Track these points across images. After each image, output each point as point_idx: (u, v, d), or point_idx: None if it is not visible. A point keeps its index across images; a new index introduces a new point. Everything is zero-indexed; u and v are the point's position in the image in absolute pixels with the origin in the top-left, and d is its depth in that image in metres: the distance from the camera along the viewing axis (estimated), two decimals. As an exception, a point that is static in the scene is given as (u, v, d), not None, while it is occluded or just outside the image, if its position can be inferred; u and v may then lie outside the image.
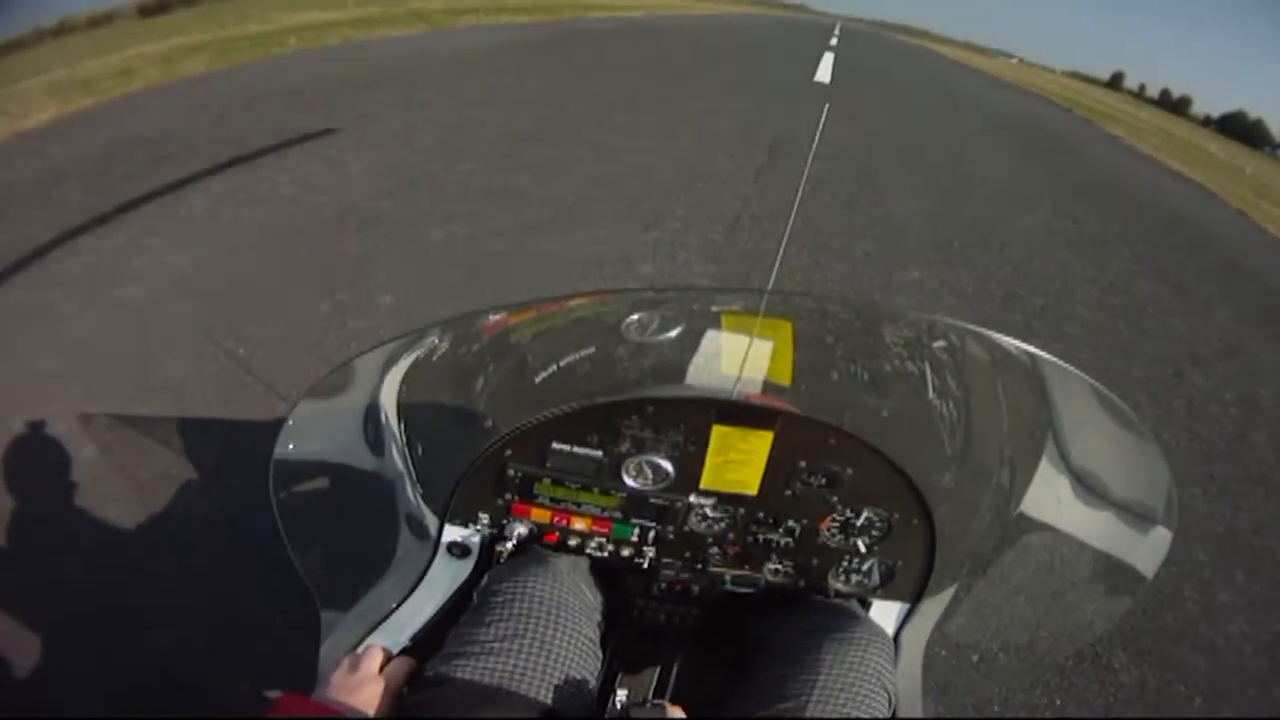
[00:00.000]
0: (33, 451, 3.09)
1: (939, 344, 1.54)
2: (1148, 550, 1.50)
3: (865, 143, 11.15)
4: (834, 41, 34.89)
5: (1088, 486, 1.50)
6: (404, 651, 1.39)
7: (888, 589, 1.55)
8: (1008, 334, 1.29)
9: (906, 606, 1.57)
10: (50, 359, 3.62)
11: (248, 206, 5.53)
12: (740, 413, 1.36)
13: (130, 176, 5.86)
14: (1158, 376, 5.31)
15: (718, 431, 1.38)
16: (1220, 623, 3.17)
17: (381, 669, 1.30)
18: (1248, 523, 3.88)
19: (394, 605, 1.49)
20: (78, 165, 6.05)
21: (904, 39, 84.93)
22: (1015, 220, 8.54)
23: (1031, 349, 1.29)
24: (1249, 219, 13.77)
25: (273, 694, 1.18)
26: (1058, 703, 2.72)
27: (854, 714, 1.28)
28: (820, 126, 6.81)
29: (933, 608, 1.58)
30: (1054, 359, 1.29)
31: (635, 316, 1.43)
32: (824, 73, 19.52)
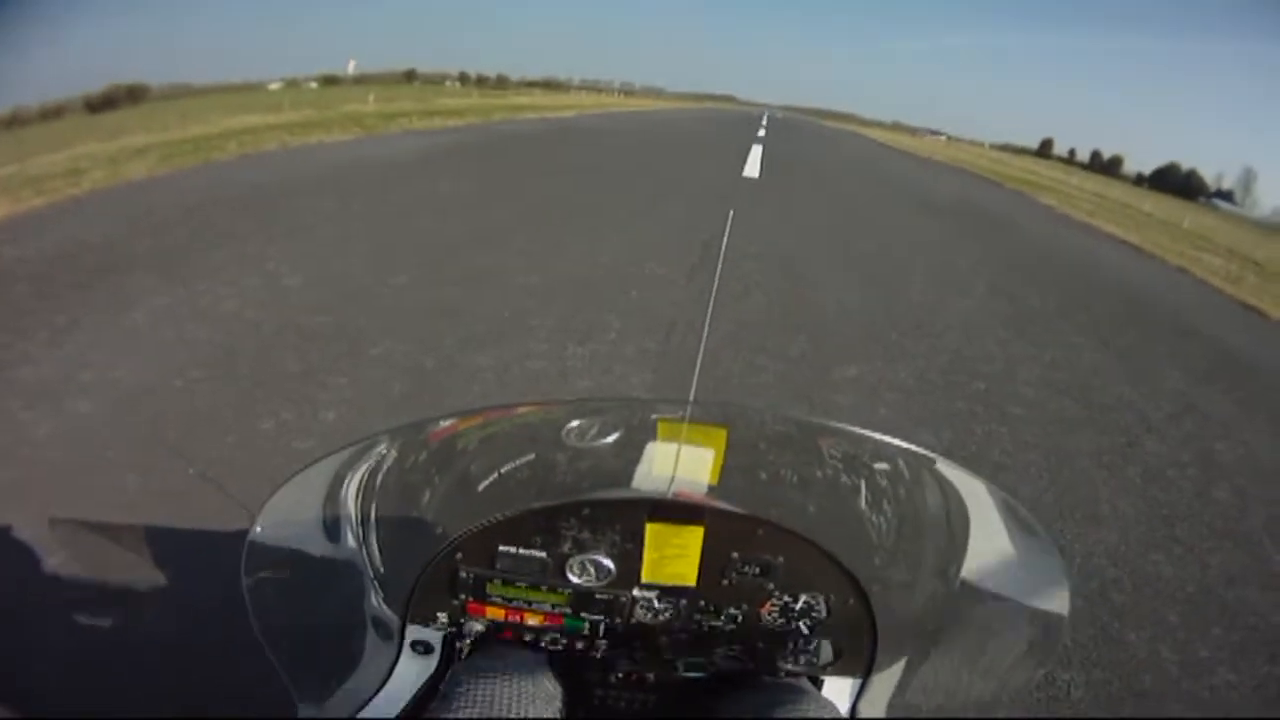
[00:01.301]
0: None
1: (864, 455, 1.65)
2: (1056, 601, 1.60)
3: (796, 236, 11.30)
4: (762, 133, 35.98)
5: (999, 565, 1.59)
6: None
7: (837, 666, 1.59)
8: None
9: (859, 681, 1.62)
10: (10, 468, 3.67)
11: (190, 321, 5.55)
12: (670, 510, 1.43)
13: (78, 285, 5.98)
14: (1111, 448, 5.34)
15: (651, 529, 1.45)
16: (1204, 677, 3.20)
17: None
18: (1218, 576, 3.90)
19: (366, 698, 1.54)
20: (27, 268, 6.23)
21: (831, 124, 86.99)
22: (951, 305, 8.60)
23: (951, 464, 1.43)
24: (1190, 274, 14.23)
25: None
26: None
27: None
28: (726, 234, 6.95)
29: (886, 681, 1.63)
30: (971, 475, 1.43)
31: (575, 424, 1.51)
32: (753, 167, 19.89)
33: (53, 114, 13.46)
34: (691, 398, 1.49)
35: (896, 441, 1.40)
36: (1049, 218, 20.32)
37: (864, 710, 1.62)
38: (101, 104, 15.00)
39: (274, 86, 25.02)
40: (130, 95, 16.19)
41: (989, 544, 1.56)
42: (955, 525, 1.55)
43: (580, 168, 15.74)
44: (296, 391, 4.69)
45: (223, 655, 2.30)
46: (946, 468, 1.45)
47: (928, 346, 7.03)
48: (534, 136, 20.85)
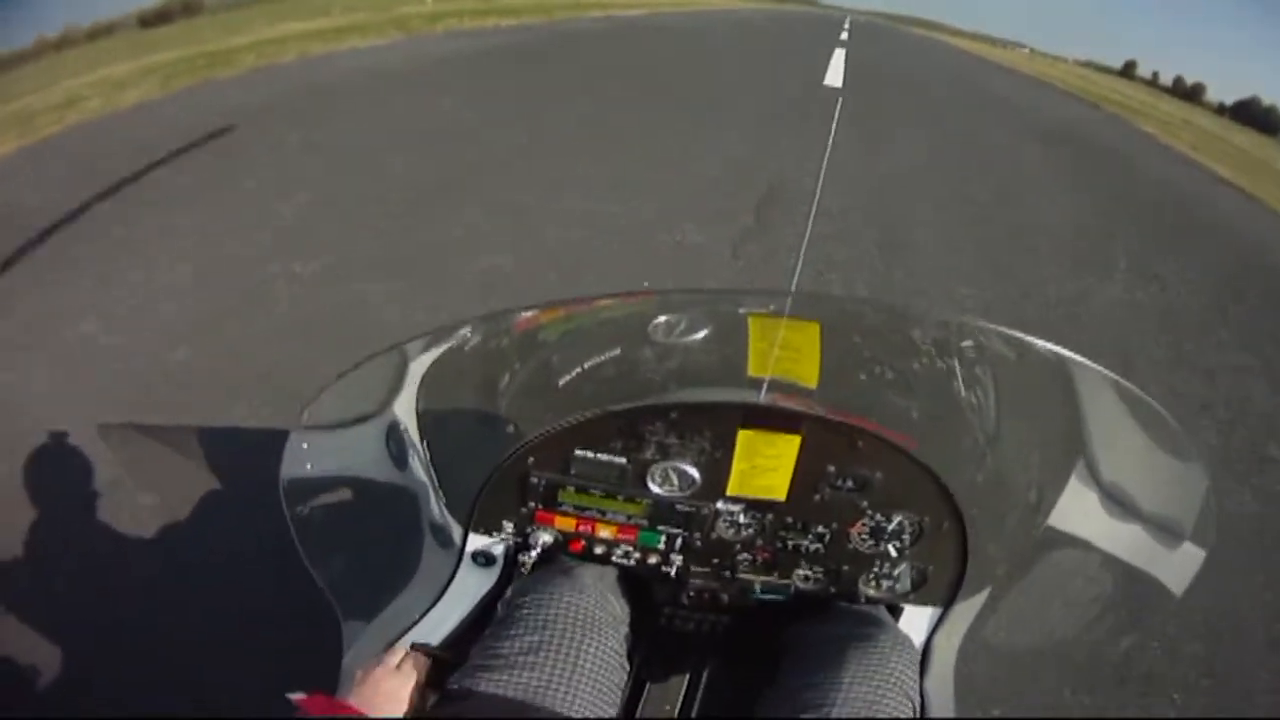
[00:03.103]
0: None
1: (968, 346, 1.49)
2: (1179, 566, 1.47)
3: (885, 162, 9.28)
4: (844, 36, 32.75)
5: (1121, 496, 1.46)
6: (432, 655, 1.36)
7: (919, 594, 1.54)
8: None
9: (939, 611, 1.56)
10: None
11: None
12: (766, 417, 1.34)
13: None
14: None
15: (743, 436, 1.37)
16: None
17: (408, 671, 1.29)
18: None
19: (418, 615, 1.47)
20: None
21: (917, 31, 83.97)
22: (1075, 272, 6.70)
23: (1065, 352, 1.26)
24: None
25: (295, 695, 1.11)
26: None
27: None
28: (833, 132, 5.49)
29: (965, 613, 1.56)
30: (1089, 362, 1.27)
31: (662, 318, 1.40)
32: (835, 75, 17.14)
33: (103, 32, 12.72)
34: (793, 288, 1.37)
35: (1010, 332, 1.31)
36: (1150, 149, 18.03)
37: (940, 641, 1.55)
38: (155, 19, 14.17)
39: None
40: (185, 8, 15.22)
41: (1116, 464, 1.44)
42: (1075, 438, 1.44)
43: (646, 75, 13.68)
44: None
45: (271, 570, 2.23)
46: (1075, 364, 1.29)
47: (1057, 320, 5.68)
48: (598, 36, 18.90)
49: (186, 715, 2.22)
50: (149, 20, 13.93)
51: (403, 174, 6.66)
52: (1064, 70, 50.98)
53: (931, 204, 8.20)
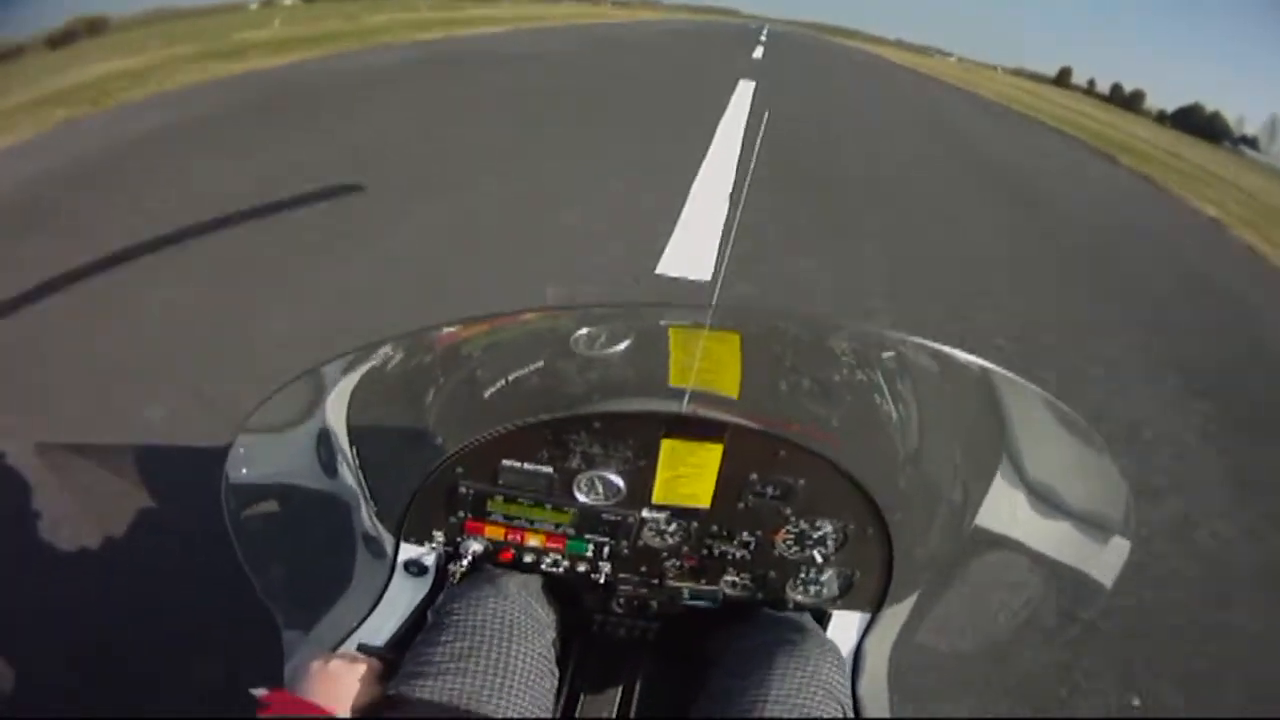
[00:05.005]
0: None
1: (889, 356, 1.52)
2: (1107, 560, 1.50)
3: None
4: (759, 54, 28.76)
5: (1044, 497, 1.48)
6: (378, 657, 1.36)
7: (847, 599, 1.55)
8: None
9: (868, 616, 1.57)
10: None
11: None
12: (688, 426, 1.35)
13: None
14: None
15: (666, 445, 1.37)
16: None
17: (356, 670, 1.29)
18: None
19: (355, 624, 1.48)
20: None
21: (838, 40, 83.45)
22: None
23: (984, 362, 1.28)
24: None
25: (258, 691, 1.12)
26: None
27: None
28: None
29: (895, 617, 1.58)
30: (1006, 372, 1.28)
31: (584, 330, 1.40)
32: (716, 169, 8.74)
33: (13, 55, 11.72)
34: (713, 303, 1.33)
35: (931, 344, 1.31)
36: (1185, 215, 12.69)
37: (870, 647, 1.56)
38: (63, 39, 13.42)
39: (253, 6, 22.77)
40: (91, 28, 14.54)
41: (1037, 467, 1.45)
42: (995, 443, 1.46)
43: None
44: None
45: (209, 582, 2.16)
46: (993, 374, 1.33)
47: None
48: (373, 82, 12.38)
49: (186, 715, 2.20)
50: (57, 41, 13.07)
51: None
52: (1001, 82, 49.65)
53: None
